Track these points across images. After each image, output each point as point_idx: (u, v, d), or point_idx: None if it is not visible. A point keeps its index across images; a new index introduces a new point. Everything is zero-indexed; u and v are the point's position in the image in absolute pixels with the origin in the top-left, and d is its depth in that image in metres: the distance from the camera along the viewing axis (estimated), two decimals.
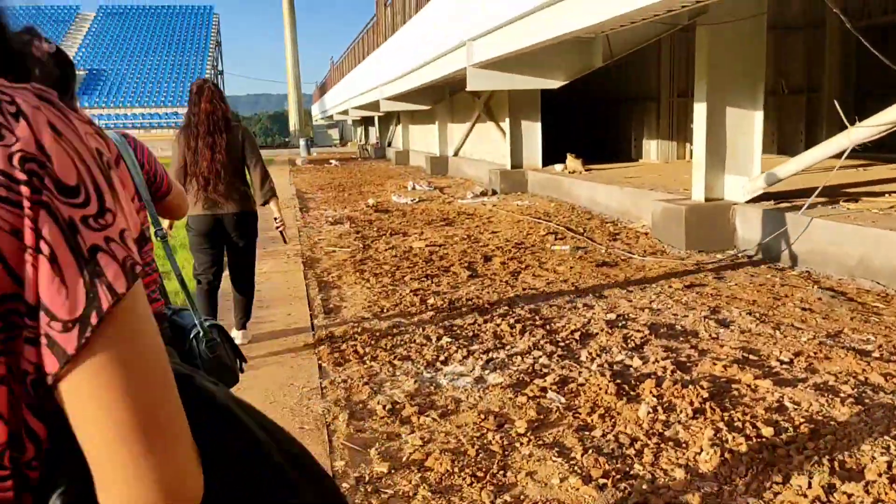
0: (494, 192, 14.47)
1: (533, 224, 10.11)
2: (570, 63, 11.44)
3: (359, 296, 6.35)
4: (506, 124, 14.95)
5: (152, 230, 2.20)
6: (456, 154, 20.18)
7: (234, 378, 2.10)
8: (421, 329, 5.21)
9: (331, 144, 63.59)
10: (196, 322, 2.01)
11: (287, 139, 60.42)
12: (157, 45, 60.37)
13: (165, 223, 3.20)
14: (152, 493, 0.62)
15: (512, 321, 5.29)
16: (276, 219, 5.03)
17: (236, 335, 4.98)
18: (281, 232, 5.14)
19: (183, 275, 2.30)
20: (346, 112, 42.10)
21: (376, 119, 36.21)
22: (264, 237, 10.22)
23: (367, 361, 4.53)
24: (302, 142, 41.69)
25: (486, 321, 5.35)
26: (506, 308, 5.72)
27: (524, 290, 6.36)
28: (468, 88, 12.13)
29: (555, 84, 11.77)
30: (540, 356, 4.50)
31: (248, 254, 4.98)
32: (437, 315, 5.59)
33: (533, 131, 14.78)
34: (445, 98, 20.40)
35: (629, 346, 4.67)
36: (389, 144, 33.25)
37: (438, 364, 4.45)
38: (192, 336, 1.98)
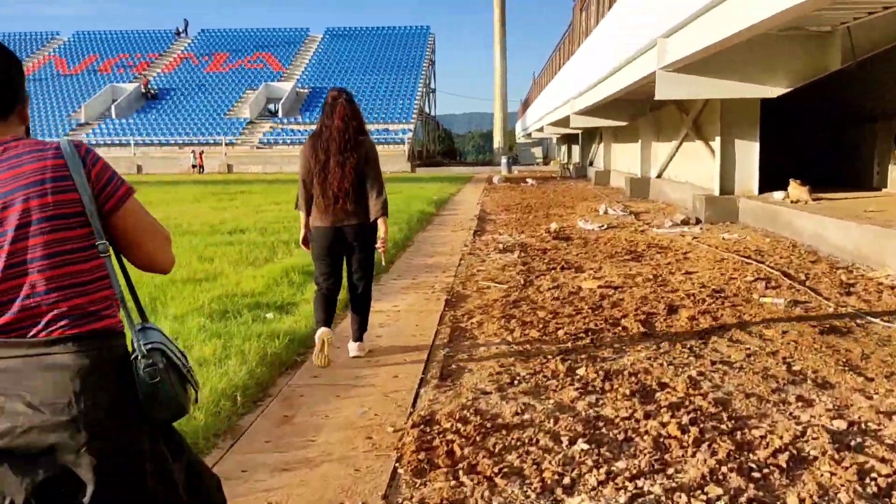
0: (698, 221, 12.50)
1: (739, 265, 8.21)
2: (797, 64, 9.18)
3: (492, 354, 5.02)
4: (716, 143, 12.87)
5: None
6: (659, 175, 18.18)
7: (179, 412, 1.81)
8: (552, 420, 3.77)
9: (533, 163, 62.90)
10: (135, 344, 1.78)
11: (492, 157, 60.51)
12: (375, 65, 62.63)
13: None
14: None
15: (685, 419, 3.70)
16: (379, 237, 4.91)
17: (352, 348, 5.07)
18: (381, 252, 5.05)
19: (125, 293, 1.86)
20: (541, 129, 40.95)
21: (579, 137, 34.67)
22: (418, 264, 9.23)
23: (460, 474, 3.17)
24: (503, 159, 41.29)
25: (647, 415, 3.80)
26: (682, 394, 4.12)
27: (713, 364, 4.69)
28: (657, 97, 10.28)
29: (774, 91, 9.53)
30: (718, 496, 2.92)
31: (367, 264, 5.02)
32: (584, 395, 4.13)
33: (748, 151, 12.56)
34: (645, 113, 18.43)
35: (867, 490, 2.94)
36: (591, 164, 31.60)
37: (559, 492, 3.00)
38: (131, 360, 1.76)
